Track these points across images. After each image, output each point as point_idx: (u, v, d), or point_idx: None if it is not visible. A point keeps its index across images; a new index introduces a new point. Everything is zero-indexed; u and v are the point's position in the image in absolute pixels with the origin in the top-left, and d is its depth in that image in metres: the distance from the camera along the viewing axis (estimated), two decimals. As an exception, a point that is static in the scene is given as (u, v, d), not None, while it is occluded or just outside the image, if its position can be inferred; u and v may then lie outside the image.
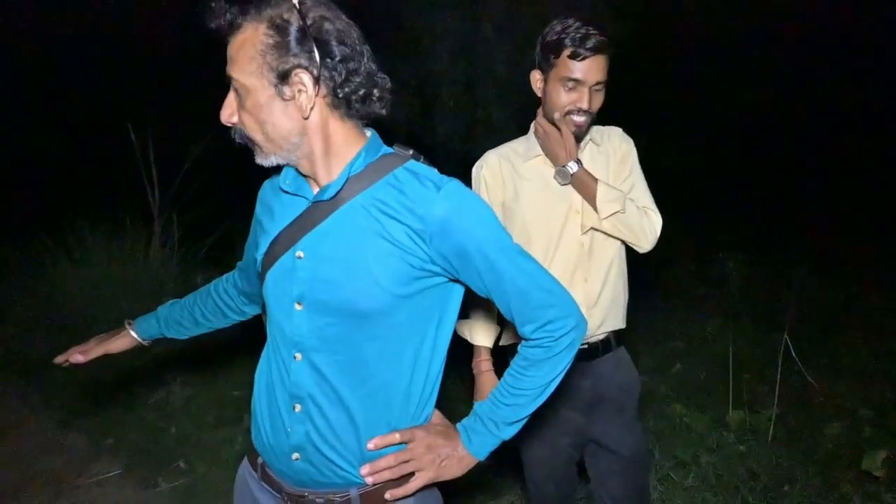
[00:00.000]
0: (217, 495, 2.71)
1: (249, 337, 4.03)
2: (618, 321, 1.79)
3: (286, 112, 1.06)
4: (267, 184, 1.29)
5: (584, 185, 1.66)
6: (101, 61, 7.52)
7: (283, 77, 1.04)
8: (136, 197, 5.08)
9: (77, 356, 1.42)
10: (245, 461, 1.31)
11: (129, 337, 1.48)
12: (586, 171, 1.67)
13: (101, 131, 5.91)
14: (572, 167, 1.66)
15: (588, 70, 1.60)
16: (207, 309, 1.48)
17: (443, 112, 7.57)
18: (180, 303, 1.50)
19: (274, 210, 1.22)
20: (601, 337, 1.77)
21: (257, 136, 1.10)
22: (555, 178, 1.70)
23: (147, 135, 5.02)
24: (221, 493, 2.72)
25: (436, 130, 7.56)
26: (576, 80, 1.61)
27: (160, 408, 3.49)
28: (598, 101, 1.66)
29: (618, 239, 1.72)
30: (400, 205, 1.08)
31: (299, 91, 1.05)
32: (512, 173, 1.75)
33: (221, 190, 5.75)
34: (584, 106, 1.62)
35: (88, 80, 7.53)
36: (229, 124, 1.12)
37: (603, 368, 1.78)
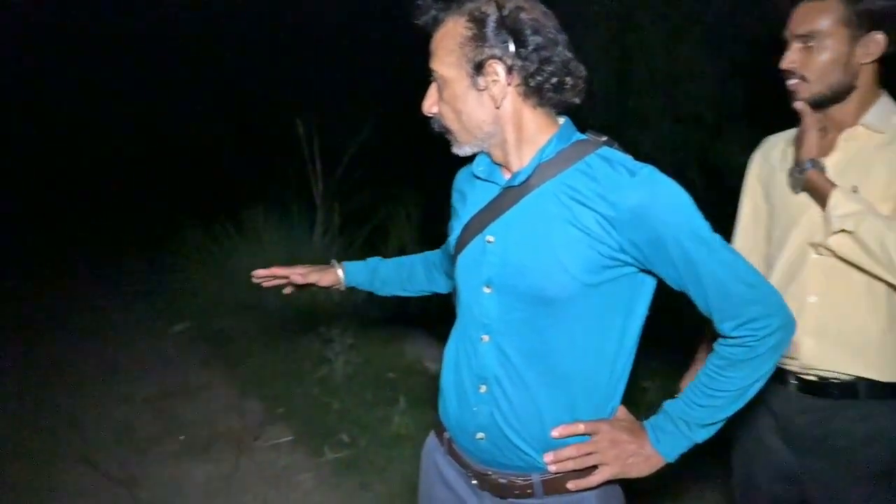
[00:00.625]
0: (377, 470, 2.86)
1: (403, 323, 4.22)
2: (866, 367, 1.36)
3: (480, 102, 1.11)
4: (462, 171, 1.34)
5: (816, 191, 1.34)
6: (272, 59, 8.20)
7: (479, 68, 1.09)
8: (303, 186, 5.49)
9: (297, 276, 1.50)
10: (432, 434, 1.37)
11: (335, 276, 1.55)
12: (820, 174, 1.33)
13: (273, 125, 6.45)
14: (805, 166, 1.35)
15: (792, 19, 1.36)
16: (416, 276, 1.56)
17: (594, 102, 7.38)
18: (387, 263, 1.59)
19: (467, 196, 1.27)
20: (833, 375, 1.40)
21: (454, 126, 1.16)
22: (787, 179, 1.43)
23: (312, 128, 5.41)
24: (380, 469, 2.87)
25: (587, 120, 7.39)
26: (784, 36, 1.39)
27: (324, 383, 3.76)
28: (812, 62, 1.34)
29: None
30: (591, 191, 1.07)
31: (493, 81, 1.09)
32: (774, 159, 1.53)
33: (379, 181, 6.07)
34: (783, 64, 1.37)
35: (260, 76, 8.26)
36: (430, 114, 1.19)
37: (831, 413, 1.41)
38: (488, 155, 1.20)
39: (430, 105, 1.18)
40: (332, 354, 3.82)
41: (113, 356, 4.62)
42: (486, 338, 1.16)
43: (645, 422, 1.18)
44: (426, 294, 1.59)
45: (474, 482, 1.23)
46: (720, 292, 1.05)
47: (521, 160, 1.14)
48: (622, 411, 1.20)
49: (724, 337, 1.09)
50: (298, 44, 8.37)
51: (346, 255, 5.36)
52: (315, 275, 1.53)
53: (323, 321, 3.92)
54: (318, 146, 5.52)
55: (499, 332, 1.15)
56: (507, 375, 1.15)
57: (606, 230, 1.06)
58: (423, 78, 1.20)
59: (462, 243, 1.21)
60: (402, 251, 5.61)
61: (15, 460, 3.12)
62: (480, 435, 1.18)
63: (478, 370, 1.18)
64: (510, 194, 1.14)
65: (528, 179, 1.12)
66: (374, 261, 1.60)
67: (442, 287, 1.55)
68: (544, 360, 1.13)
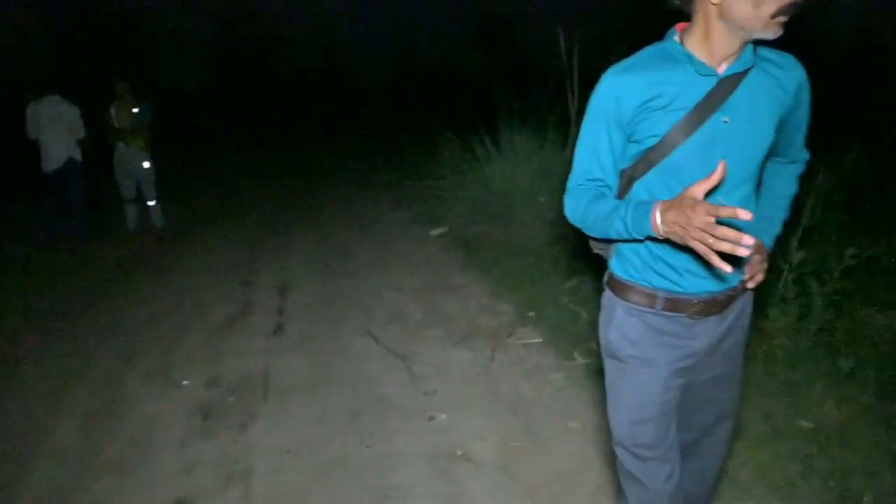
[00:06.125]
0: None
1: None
2: None
3: None
4: (641, 76, 1.33)
5: None
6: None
7: None
8: (560, 102, 5.43)
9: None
10: (629, 309, 1.45)
11: None
12: None
13: (529, 42, 6.43)
14: None
15: None
16: None
17: None
18: None
19: (670, 92, 1.34)
20: None
21: None
22: None
23: (574, 43, 5.26)
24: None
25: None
26: None
27: (573, 294, 3.82)
28: None
29: None
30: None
31: None
32: None
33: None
34: None
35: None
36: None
37: None
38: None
39: None
40: (583, 266, 3.83)
41: (384, 252, 5.24)
42: (721, 200, 1.27)
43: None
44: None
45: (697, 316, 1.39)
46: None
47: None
48: None
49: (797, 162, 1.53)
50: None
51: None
52: None
53: (572, 238, 3.93)
54: (577, 60, 5.38)
55: (728, 194, 1.30)
56: None
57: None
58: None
59: (689, 129, 1.26)
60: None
61: (314, 325, 3.77)
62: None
63: None
64: (731, 81, 1.27)
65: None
66: None
67: None
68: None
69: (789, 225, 3.58)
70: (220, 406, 2.91)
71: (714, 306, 1.38)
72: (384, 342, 3.49)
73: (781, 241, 3.17)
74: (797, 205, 3.63)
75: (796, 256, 3.04)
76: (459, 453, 2.48)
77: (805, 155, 1.52)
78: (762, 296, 3.52)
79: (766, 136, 1.31)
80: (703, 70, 1.26)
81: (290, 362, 3.31)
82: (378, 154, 9.54)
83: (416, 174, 7.16)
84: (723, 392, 1.52)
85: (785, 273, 3.12)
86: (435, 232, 5.51)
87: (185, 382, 3.15)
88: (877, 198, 4.69)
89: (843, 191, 4.17)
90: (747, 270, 1.41)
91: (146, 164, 5.97)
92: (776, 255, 3.13)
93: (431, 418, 2.74)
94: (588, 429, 2.58)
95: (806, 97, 1.37)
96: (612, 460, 2.29)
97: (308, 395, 2.96)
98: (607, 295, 1.49)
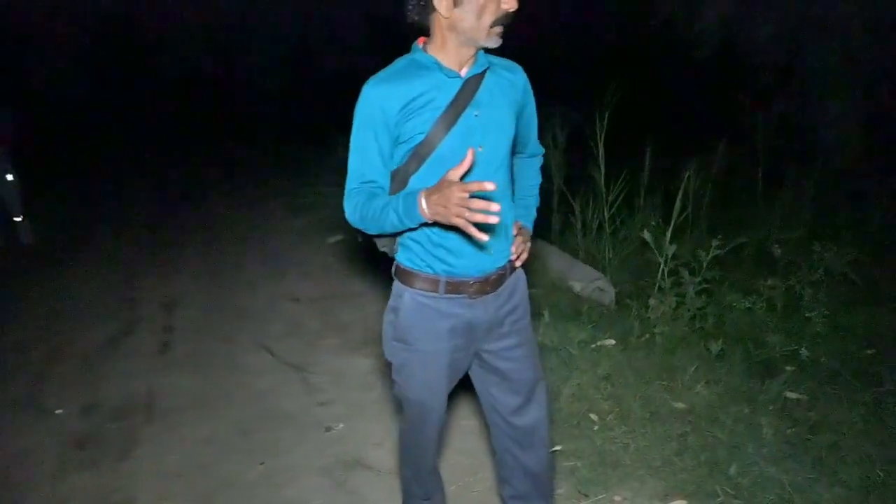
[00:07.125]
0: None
1: (546, 241, 4.07)
2: None
3: None
4: (400, 86, 1.51)
5: None
6: None
7: None
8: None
9: None
10: (421, 298, 1.62)
11: None
12: None
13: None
14: None
15: None
16: None
17: (764, 10, 6.59)
18: None
19: (429, 93, 1.54)
20: None
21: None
22: None
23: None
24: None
25: (754, 33, 6.64)
26: None
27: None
28: None
29: None
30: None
31: None
32: None
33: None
34: None
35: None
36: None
37: None
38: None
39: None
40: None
41: (279, 262, 5.09)
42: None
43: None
44: None
45: (475, 295, 1.57)
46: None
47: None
48: None
49: (536, 156, 1.80)
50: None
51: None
52: None
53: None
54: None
55: (488, 179, 1.34)
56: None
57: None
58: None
59: (448, 124, 1.44)
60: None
61: (204, 341, 3.60)
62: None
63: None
64: (473, 81, 1.48)
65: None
66: None
67: None
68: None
69: (663, 220, 3.81)
70: (98, 434, 2.72)
71: (488, 285, 1.57)
72: (279, 355, 3.39)
73: (656, 237, 3.41)
74: (670, 201, 3.88)
75: (669, 249, 3.27)
76: (356, 461, 2.45)
77: (541, 150, 1.80)
78: (643, 287, 3.77)
79: (509, 125, 1.55)
80: (450, 73, 1.46)
81: (177, 382, 3.14)
82: (271, 160, 9.27)
83: (311, 180, 7.03)
84: (525, 361, 1.69)
85: (661, 265, 3.34)
86: (332, 239, 5.43)
87: (58, 411, 2.91)
88: (742, 193, 5.14)
89: (711, 188, 4.52)
90: (513, 250, 1.61)
91: (9, 177, 5.46)
92: (654, 249, 3.36)
93: (328, 429, 2.70)
94: (482, 427, 2.63)
95: (531, 97, 1.63)
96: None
97: (197, 415, 2.83)
98: (395, 284, 1.64)
